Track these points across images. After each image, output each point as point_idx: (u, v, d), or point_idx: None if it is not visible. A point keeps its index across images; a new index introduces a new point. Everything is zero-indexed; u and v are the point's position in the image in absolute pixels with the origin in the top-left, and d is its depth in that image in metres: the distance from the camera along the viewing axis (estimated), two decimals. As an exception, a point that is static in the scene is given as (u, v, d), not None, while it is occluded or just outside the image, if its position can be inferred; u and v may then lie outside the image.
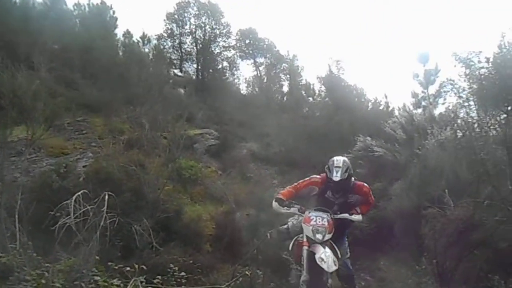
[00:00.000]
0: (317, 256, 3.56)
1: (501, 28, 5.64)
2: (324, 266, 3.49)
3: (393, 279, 5.70)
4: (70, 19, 13.51)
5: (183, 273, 4.36)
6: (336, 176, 3.81)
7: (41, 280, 2.90)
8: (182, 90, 14.97)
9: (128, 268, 3.41)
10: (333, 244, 3.82)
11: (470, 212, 4.69)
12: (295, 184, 4.12)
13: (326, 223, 3.81)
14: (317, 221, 3.86)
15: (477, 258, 4.50)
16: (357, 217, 3.95)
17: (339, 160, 3.92)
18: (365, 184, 4.12)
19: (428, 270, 4.76)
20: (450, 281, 4.41)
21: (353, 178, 4.05)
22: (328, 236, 3.73)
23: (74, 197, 3.50)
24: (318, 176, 4.07)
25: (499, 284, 3.73)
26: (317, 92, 15.00)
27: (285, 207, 3.87)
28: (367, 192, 4.07)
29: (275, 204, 3.87)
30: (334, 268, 3.56)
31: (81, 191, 3.61)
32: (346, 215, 3.93)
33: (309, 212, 3.89)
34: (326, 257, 3.55)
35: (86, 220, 3.42)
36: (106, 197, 3.59)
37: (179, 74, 17.57)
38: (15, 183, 5.25)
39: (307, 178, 4.11)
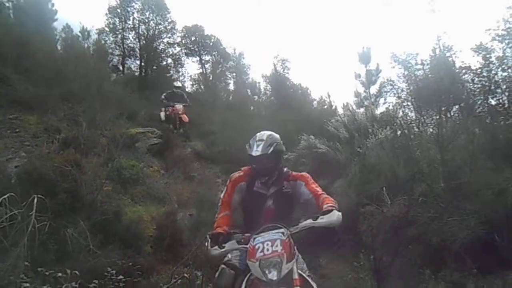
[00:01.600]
0: None
1: (436, 31, 5.99)
2: None
3: (332, 276, 5.82)
4: (2, 10, 12.46)
5: (121, 276, 4.21)
6: (257, 151, 2.95)
7: None
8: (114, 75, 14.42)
9: (59, 274, 3.19)
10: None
11: (405, 209, 4.90)
12: (220, 203, 3.16)
13: (279, 249, 2.58)
14: (265, 249, 2.60)
15: (411, 253, 4.70)
16: (332, 218, 2.74)
17: (262, 133, 3.08)
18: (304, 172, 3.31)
19: (366, 266, 4.90)
20: (387, 276, 4.56)
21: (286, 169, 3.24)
22: (286, 268, 2.51)
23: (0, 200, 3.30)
24: (238, 171, 3.25)
25: (430, 278, 3.91)
26: (262, 90, 15.12)
27: (222, 246, 2.71)
28: (310, 178, 3.18)
29: (210, 249, 2.73)
30: None
31: (7, 195, 3.44)
32: (309, 222, 2.72)
33: (254, 239, 2.68)
34: None
35: (14, 225, 3.24)
36: (35, 200, 3.45)
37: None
38: None
39: (228, 182, 3.23)
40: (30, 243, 3.30)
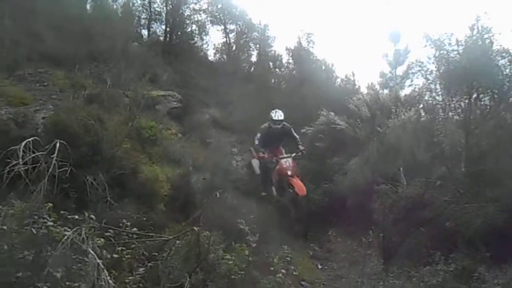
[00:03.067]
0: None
1: (476, 11, 5.68)
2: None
3: (339, 251, 5.86)
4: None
5: (135, 229, 4.30)
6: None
7: None
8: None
9: (76, 217, 3.30)
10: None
11: (421, 191, 4.83)
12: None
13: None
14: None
15: (422, 235, 4.66)
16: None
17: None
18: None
19: (374, 244, 4.89)
20: (394, 255, 4.55)
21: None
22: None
23: (24, 143, 3.38)
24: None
25: (440, 259, 3.87)
26: (285, 64, 14.84)
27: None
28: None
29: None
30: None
31: (32, 138, 3.49)
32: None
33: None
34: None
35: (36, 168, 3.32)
36: (57, 145, 3.47)
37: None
38: None
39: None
40: (51, 188, 3.35)
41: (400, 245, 4.58)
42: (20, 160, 3.25)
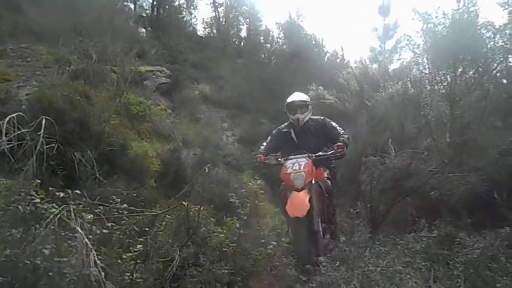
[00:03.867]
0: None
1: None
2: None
3: (328, 222, 5.99)
4: None
5: (125, 205, 4.33)
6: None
7: None
8: (143, 30, 14.20)
9: (62, 194, 3.26)
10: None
11: (407, 162, 4.93)
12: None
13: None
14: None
15: (408, 204, 4.79)
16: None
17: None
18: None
19: (362, 214, 5.02)
20: (381, 224, 4.69)
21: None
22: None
23: (7, 119, 3.23)
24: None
25: (424, 227, 4.00)
26: (275, 39, 14.74)
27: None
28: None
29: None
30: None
31: (16, 113, 3.34)
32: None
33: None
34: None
35: (22, 145, 3.24)
36: (43, 121, 3.37)
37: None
38: None
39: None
40: (39, 165, 3.23)
41: (387, 215, 4.71)
42: (4, 136, 3.15)
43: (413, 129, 5.61)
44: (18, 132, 3.37)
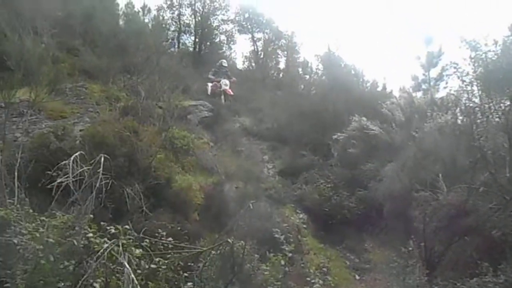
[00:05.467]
0: None
1: (512, 11, 5.46)
2: None
3: (377, 260, 5.69)
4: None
5: (170, 239, 4.34)
6: None
7: (36, 234, 2.97)
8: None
9: (118, 229, 3.37)
10: None
11: (463, 198, 4.62)
12: None
13: None
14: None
15: (467, 245, 4.45)
16: None
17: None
18: None
19: (415, 253, 4.70)
20: (438, 265, 4.36)
21: None
22: None
23: (72, 158, 3.55)
24: None
25: (488, 271, 3.67)
26: (314, 70, 14.75)
27: None
28: None
29: None
30: None
31: (78, 152, 3.68)
32: None
33: None
34: None
35: (82, 181, 3.48)
36: (102, 159, 3.59)
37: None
38: (16, 143, 5.46)
39: None
40: (94, 199, 3.47)
41: (444, 255, 4.40)
42: (71, 174, 3.41)
43: (467, 162, 5.29)
44: (80, 170, 3.56)
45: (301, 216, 7.18)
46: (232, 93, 12.02)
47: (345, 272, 5.61)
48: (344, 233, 6.82)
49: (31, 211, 3.45)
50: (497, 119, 5.24)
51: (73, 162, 3.43)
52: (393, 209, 6.06)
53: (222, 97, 11.84)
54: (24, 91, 6.25)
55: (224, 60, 13.31)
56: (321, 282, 3.62)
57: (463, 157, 5.47)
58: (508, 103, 5.03)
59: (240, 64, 18.97)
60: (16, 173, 4.05)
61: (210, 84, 12.20)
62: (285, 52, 18.50)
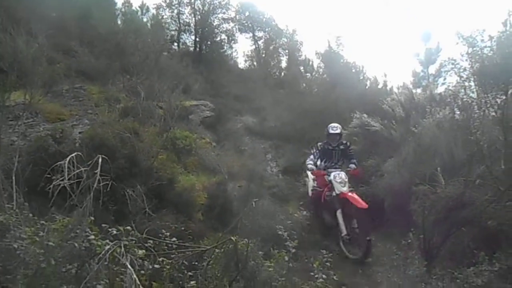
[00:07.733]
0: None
1: (508, 6, 5.54)
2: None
3: (379, 254, 5.79)
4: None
5: (174, 239, 4.41)
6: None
7: (36, 238, 2.96)
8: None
9: (120, 230, 3.40)
10: None
11: (460, 190, 4.72)
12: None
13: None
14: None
15: (464, 235, 4.55)
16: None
17: (335, 124, 7.00)
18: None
19: (415, 245, 4.81)
20: (436, 256, 4.47)
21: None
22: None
23: (68, 159, 3.47)
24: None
25: (484, 260, 3.78)
26: (315, 68, 14.88)
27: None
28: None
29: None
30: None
31: (75, 153, 3.58)
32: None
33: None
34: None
35: (80, 182, 3.40)
36: (100, 160, 3.57)
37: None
38: (12, 146, 5.32)
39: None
40: (93, 202, 3.40)
41: (442, 246, 4.50)
42: (66, 175, 3.33)
43: (464, 156, 5.39)
44: (77, 170, 3.59)
45: (304, 213, 7.29)
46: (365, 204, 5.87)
47: (348, 266, 5.71)
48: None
49: (30, 215, 3.43)
50: (493, 113, 5.33)
51: (71, 164, 3.37)
52: (393, 204, 6.17)
53: (340, 219, 6.06)
54: (19, 93, 6.17)
55: (335, 125, 6.98)
56: (324, 276, 3.71)
57: (460, 151, 5.57)
58: (504, 97, 5.12)
59: (241, 64, 19.09)
60: (13, 178, 3.99)
61: (311, 177, 7.14)
62: (287, 51, 18.61)
